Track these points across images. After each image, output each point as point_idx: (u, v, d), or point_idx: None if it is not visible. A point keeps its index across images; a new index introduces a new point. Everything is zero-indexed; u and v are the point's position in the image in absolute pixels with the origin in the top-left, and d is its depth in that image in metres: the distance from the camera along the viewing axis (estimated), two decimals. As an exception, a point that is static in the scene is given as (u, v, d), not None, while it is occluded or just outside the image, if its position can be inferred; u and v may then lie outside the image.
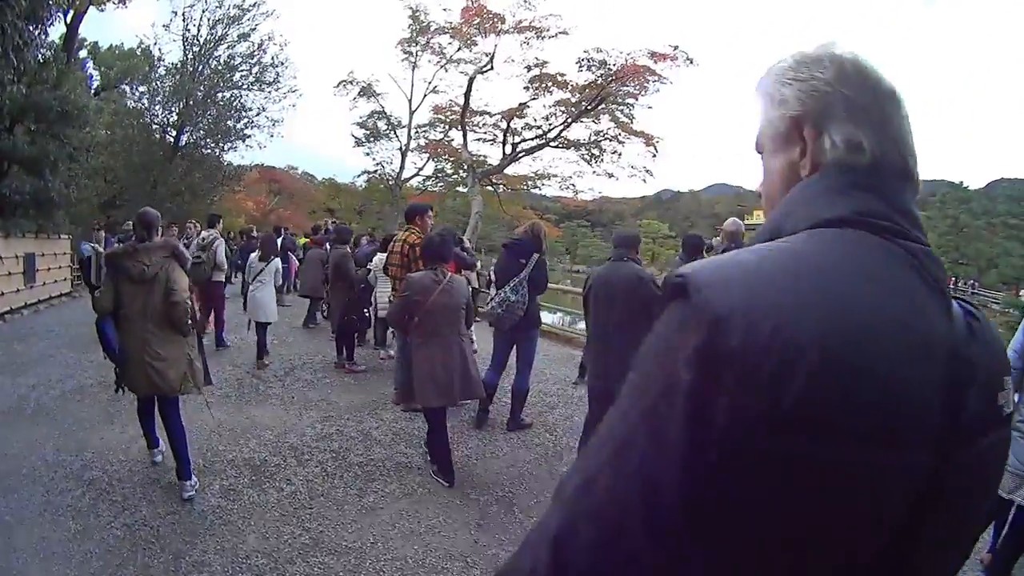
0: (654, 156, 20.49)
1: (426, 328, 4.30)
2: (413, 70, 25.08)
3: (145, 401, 4.20)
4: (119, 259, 3.82)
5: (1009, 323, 31.42)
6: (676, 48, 17.60)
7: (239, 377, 6.92)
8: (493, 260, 10.18)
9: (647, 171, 20.91)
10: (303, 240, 15.24)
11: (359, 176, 29.96)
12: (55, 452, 4.57)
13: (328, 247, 9.10)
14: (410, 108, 26.04)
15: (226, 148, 23.73)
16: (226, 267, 8.58)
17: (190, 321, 3.95)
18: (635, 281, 4.16)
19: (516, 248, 5.58)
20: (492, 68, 20.00)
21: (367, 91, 25.89)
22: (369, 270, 7.90)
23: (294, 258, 13.92)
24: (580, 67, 18.43)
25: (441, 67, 23.66)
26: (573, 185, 23.23)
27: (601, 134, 20.45)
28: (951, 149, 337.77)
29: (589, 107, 18.87)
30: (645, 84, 18.10)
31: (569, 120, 19.62)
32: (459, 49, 21.92)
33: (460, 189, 27.03)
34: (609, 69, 17.82)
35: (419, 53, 24.08)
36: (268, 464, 4.62)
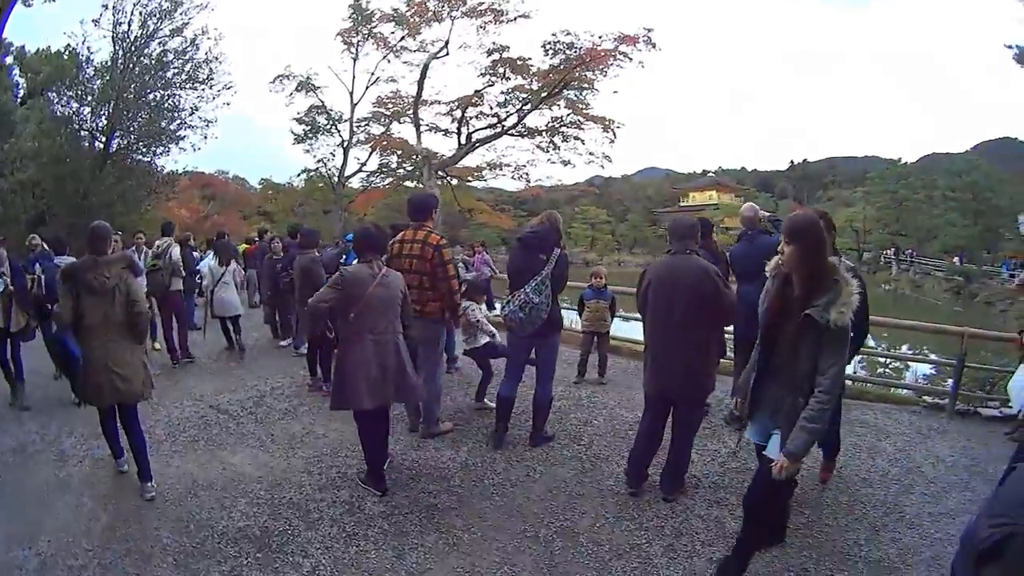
0: (612, 142, 19.96)
1: (362, 324, 4.08)
2: (355, 62, 24.02)
3: (108, 412, 4.22)
4: (80, 273, 3.93)
5: (954, 288, 33.57)
6: (650, 31, 17.11)
7: (202, 413, 5.85)
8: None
9: (606, 157, 20.47)
10: (243, 247, 14.10)
11: (298, 175, 28.75)
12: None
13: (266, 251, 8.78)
14: (351, 101, 24.99)
15: (158, 152, 22.01)
16: (183, 274, 8.14)
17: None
18: (701, 276, 3.78)
19: (534, 242, 4.78)
20: (447, 53, 19.21)
21: (305, 85, 24.65)
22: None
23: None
24: (547, 51, 17.76)
25: (384, 58, 22.69)
26: (527, 174, 22.69)
27: (559, 120, 19.79)
28: (882, 126, 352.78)
29: (553, 91, 18.16)
30: (607, 68, 17.50)
31: (530, 107, 18.90)
32: (403, 38, 20.93)
33: (408, 183, 26.03)
34: (576, 52, 17.18)
35: (361, 43, 22.99)
36: (271, 532, 3.67)
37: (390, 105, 23.96)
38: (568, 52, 17.31)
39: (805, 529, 3.77)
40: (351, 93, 24.75)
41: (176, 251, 8.01)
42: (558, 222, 4.94)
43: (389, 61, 22.72)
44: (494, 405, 5.64)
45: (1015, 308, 25.25)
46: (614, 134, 19.66)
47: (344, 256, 7.92)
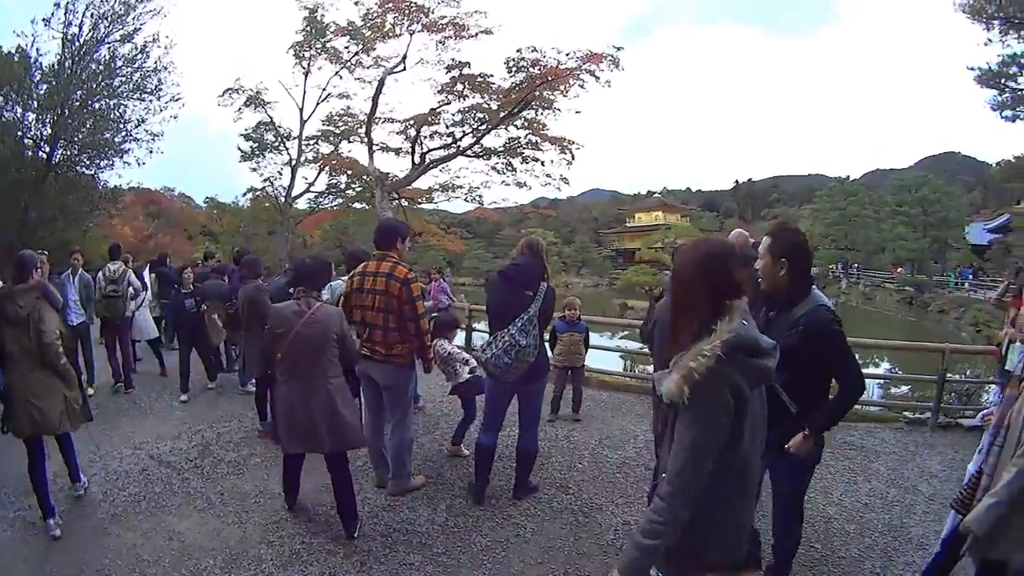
0: (569, 163, 19.64)
1: (287, 365, 3.85)
2: (306, 77, 23.15)
3: (35, 452, 4.02)
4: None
5: (906, 298, 34.41)
6: (619, 49, 16.69)
7: (143, 466, 5.16)
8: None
9: (563, 179, 20.11)
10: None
11: (244, 194, 27.61)
12: None
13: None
14: (301, 118, 24.10)
15: (102, 166, 20.60)
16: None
17: (64, 361, 4.01)
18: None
19: (517, 277, 4.24)
20: (404, 69, 18.59)
21: (254, 100, 23.71)
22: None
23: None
24: (509, 68, 17.21)
25: (336, 73, 21.94)
26: (480, 196, 22.20)
27: (516, 141, 19.30)
28: (826, 144, 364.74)
29: (513, 111, 17.66)
30: (568, 88, 17.11)
31: (489, 126, 18.31)
32: (358, 53, 20.25)
33: (357, 205, 25.40)
34: (540, 70, 16.68)
35: (314, 58, 22.16)
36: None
37: (340, 123, 23.23)
38: (532, 70, 16.82)
39: (821, 564, 3.72)
40: (301, 109, 23.95)
41: (133, 276, 7.96)
42: (541, 250, 4.41)
43: (341, 77, 22.07)
44: (468, 452, 5.27)
45: (968, 316, 25.81)
46: (572, 155, 19.40)
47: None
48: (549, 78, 16.43)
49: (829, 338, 2.68)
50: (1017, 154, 31.36)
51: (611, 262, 61.82)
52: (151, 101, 20.89)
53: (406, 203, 22.76)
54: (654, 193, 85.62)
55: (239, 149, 25.10)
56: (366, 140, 19.43)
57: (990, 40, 18.18)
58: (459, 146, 19.06)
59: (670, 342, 1.90)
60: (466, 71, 17.89)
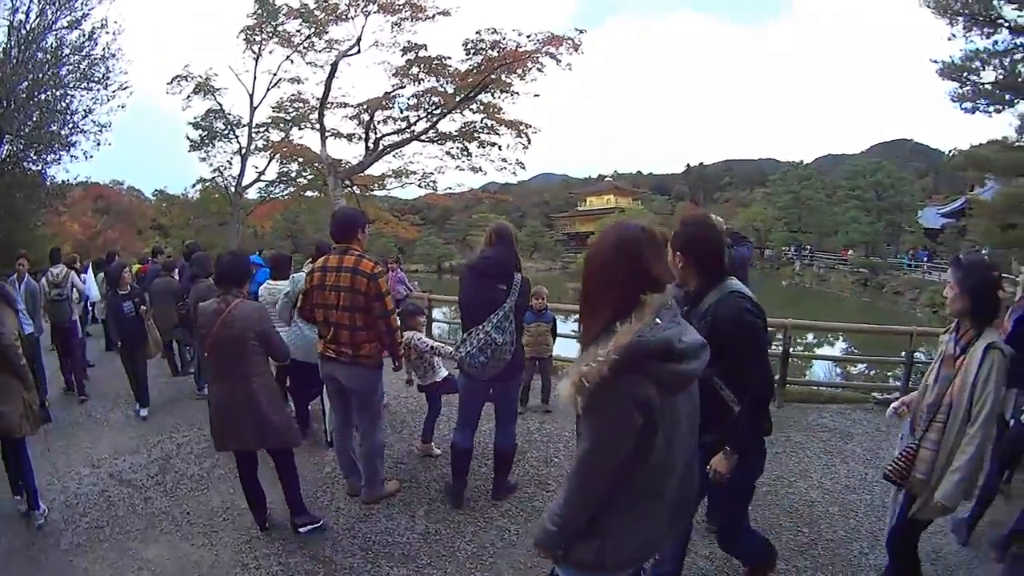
0: (525, 148, 19.23)
1: (212, 366, 3.83)
2: (257, 62, 22.37)
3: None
4: None
5: (861, 280, 35.65)
6: (581, 32, 16.31)
7: (103, 486, 4.79)
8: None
9: (519, 163, 19.74)
10: (136, 266, 12.68)
11: (194, 185, 26.55)
12: None
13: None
14: (251, 104, 23.34)
15: (49, 160, 19.56)
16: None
17: (23, 362, 3.96)
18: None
19: (491, 270, 3.97)
20: (359, 51, 17.90)
21: (203, 87, 22.83)
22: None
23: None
24: (468, 50, 16.73)
25: (288, 58, 21.24)
26: (434, 182, 21.75)
27: (471, 125, 18.86)
28: (778, 129, 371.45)
29: (470, 94, 17.24)
30: (527, 71, 16.70)
31: (445, 110, 17.89)
32: (309, 36, 19.60)
33: (309, 193, 24.82)
34: (499, 52, 16.28)
35: (265, 42, 21.38)
36: None
37: (291, 109, 22.57)
38: (491, 52, 16.42)
39: (811, 547, 3.76)
40: (251, 95, 23.18)
41: (76, 278, 7.95)
42: (512, 238, 4.14)
43: (292, 62, 21.35)
44: (439, 451, 5.13)
45: (924, 297, 26.65)
46: (528, 139, 18.99)
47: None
48: (508, 61, 16.07)
49: (736, 329, 2.46)
50: (972, 143, 32.49)
51: (563, 246, 62.27)
52: (98, 90, 20.01)
53: (359, 190, 22.28)
54: (605, 177, 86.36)
55: (188, 138, 24.27)
56: (318, 126, 18.82)
57: (954, 35, 18.79)
58: (413, 131, 18.64)
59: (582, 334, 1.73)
60: (423, 53, 17.44)
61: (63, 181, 21.19)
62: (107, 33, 19.71)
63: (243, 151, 23.94)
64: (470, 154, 19.43)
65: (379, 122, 18.77)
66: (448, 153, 19.64)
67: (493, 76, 16.56)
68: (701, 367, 1.61)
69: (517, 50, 16.14)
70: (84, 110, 19.90)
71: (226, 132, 24.12)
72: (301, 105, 22.22)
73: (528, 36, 16.25)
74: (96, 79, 19.78)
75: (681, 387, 1.60)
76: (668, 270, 1.76)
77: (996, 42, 18.33)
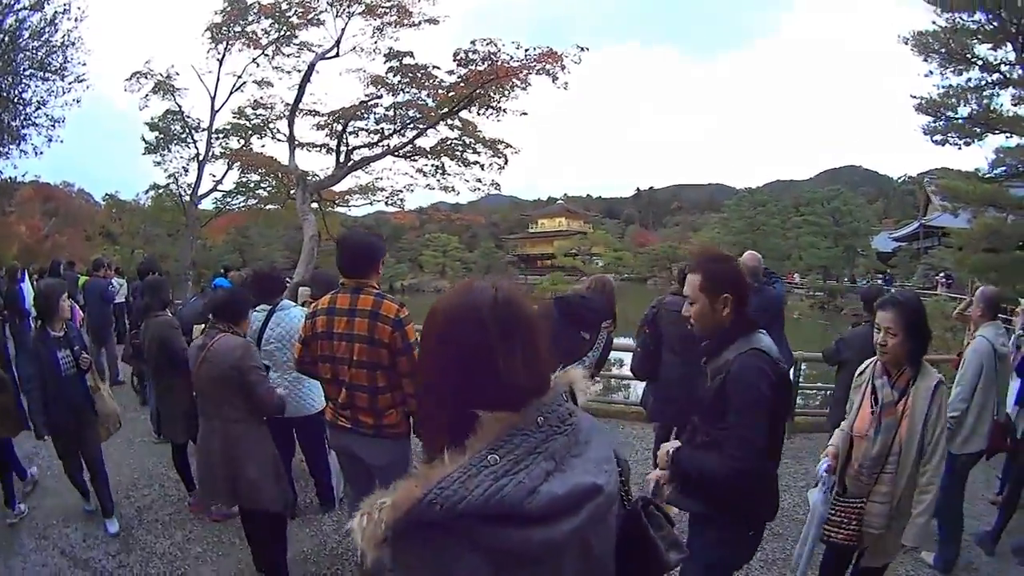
0: (501, 168, 18.41)
1: (200, 405, 3.61)
2: (221, 62, 20.92)
3: None
4: None
5: (818, 303, 36.70)
6: (584, 49, 15.33)
7: (56, 570, 3.94)
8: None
9: (494, 183, 18.88)
10: (83, 279, 11.54)
11: (147, 192, 24.73)
12: None
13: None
14: (212, 108, 21.77)
15: None
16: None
17: None
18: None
19: (583, 313, 3.55)
20: (337, 55, 16.75)
21: (163, 86, 21.25)
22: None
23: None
24: (460, 62, 15.69)
25: (254, 60, 19.85)
26: (403, 200, 20.79)
27: (447, 142, 17.93)
28: (726, 155, 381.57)
29: (455, 108, 16.29)
30: (513, 87, 15.90)
31: (428, 124, 16.90)
32: (279, 38, 18.38)
33: (271, 207, 23.39)
34: (492, 65, 15.33)
35: (232, 42, 19.91)
36: None
37: (252, 116, 21.04)
38: (481, 65, 15.49)
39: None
40: (213, 98, 21.65)
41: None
42: (612, 293, 3.97)
43: (258, 65, 19.94)
44: None
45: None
46: (505, 159, 18.16)
47: None
48: (499, 75, 15.21)
49: (744, 390, 2.18)
50: (920, 170, 34.22)
51: (515, 267, 62.43)
52: (54, 81, 18.50)
53: (326, 206, 21.00)
54: (555, 199, 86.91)
55: (143, 140, 22.57)
56: (284, 134, 17.62)
57: (931, 72, 19.66)
58: (389, 145, 17.61)
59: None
60: (407, 61, 16.45)
61: (10, 178, 19.88)
62: (68, 19, 18.31)
63: (201, 157, 22.40)
64: (446, 172, 18.47)
65: (351, 133, 17.70)
66: (419, 170, 18.68)
67: (479, 91, 15.70)
68: (580, 528, 0.97)
69: (510, 64, 15.35)
70: (37, 101, 18.46)
71: (184, 136, 22.55)
72: (264, 112, 20.80)
73: (526, 50, 15.41)
74: (53, 69, 18.32)
75: (535, 561, 0.96)
76: (538, 368, 1.11)
77: (969, 79, 19.09)
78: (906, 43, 19.60)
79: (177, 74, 21.70)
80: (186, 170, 23.00)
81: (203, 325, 4.21)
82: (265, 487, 3.40)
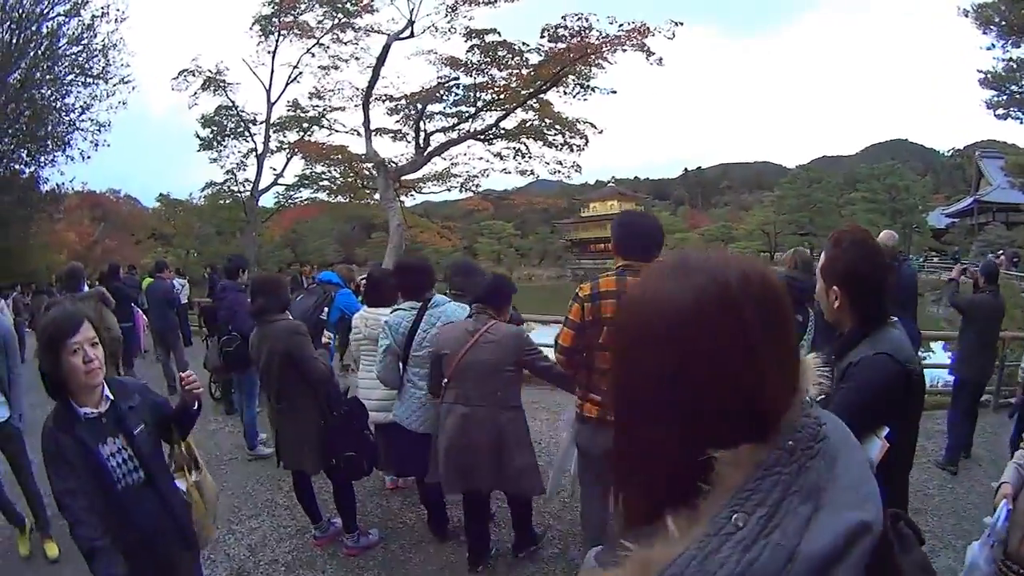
0: (581, 150, 17.44)
1: (453, 392, 3.35)
2: (273, 55, 20.30)
3: None
4: None
5: None
6: (678, 24, 14.37)
7: None
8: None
9: (575, 166, 17.97)
10: (147, 281, 10.99)
11: (202, 189, 24.20)
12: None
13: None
14: (268, 100, 21.19)
15: (42, 161, 17.51)
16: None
17: None
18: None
19: (794, 293, 3.30)
20: (412, 35, 15.79)
21: (213, 81, 20.63)
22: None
23: (138, 310, 9.24)
24: (550, 38, 14.74)
25: (308, 51, 19.18)
26: (477, 185, 19.96)
27: (528, 123, 16.99)
28: (770, 131, 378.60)
29: (543, 88, 15.34)
30: (602, 63, 14.94)
31: (510, 105, 15.99)
32: (332, 29, 17.77)
33: (338, 199, 22.58)
34: (583, 41, 14.37)
35: (284, 33, 19.27)
36: None
37: (308, 108, 20.63)
38: (572, 41, 14.47)
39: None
40: (268, 91, 21.04)
41: None
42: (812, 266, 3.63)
43: (314, 55, 19.28)
44: None
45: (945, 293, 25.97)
46: (586, 140, 17.17)
47: (325, 305, 5.58)
48: (588, 52, 14.22)
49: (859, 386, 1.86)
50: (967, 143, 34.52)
51: (569, 252, 61.71)
52: (97, 85, 18.11)
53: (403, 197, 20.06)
54: (603, 183, 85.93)
55: (197, 136, 22.05)
56: (344, 124, 17.31)
57: (993, 45, 20.27)
58: (471, 129, 16.71)
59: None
60: (490, 39, 15.40)
61: (58, 184, 19.37)
62: (107, 22, 17.90)
63: (259, 151, 21.87)
64: (527, 155, 17.55)
65: (427, 117, 16.88)
66: (497, 154, 17.73)
67: (567, 69, 14.78)
68: None
69: (601, 40, 14.35)
70: (81, 106, 18.13)
71: (240, 130, 22.03)
72: (320, 102, 20.34)
73: (620, 25, 14.33)
74: (94, 73, 17.96)
75: None
76: (792, 374, 0.73)
77: None
78: (966, 15, 19.96)
79: (227, 69, 21.18)
80: (244, 165, 22.54)
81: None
82: (532, 473, 3.40)
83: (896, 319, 2.03)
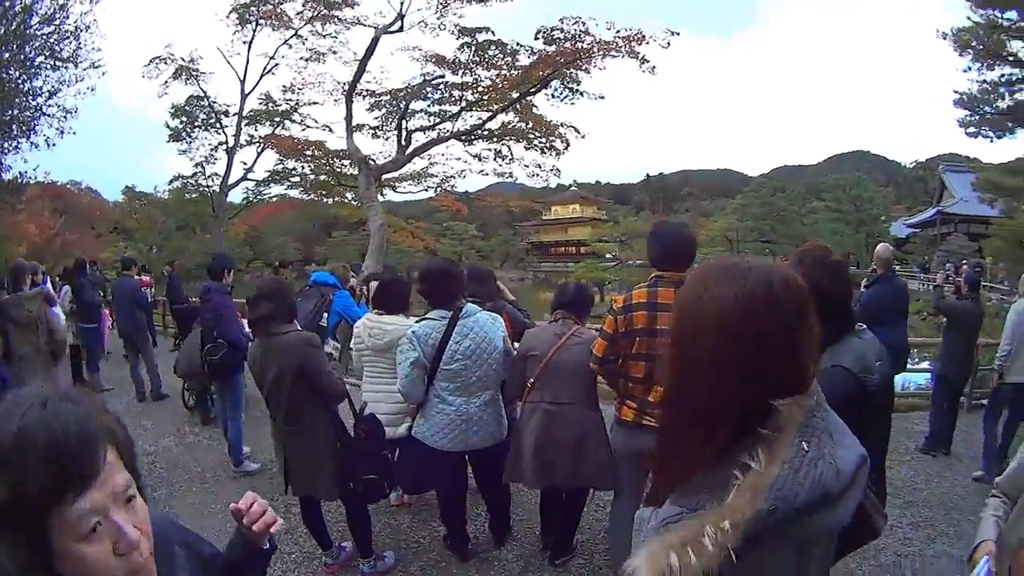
0: (560, 153, 17.23)
1: (539, 392, 3.49)
2: (249, 45, 19.81)
3: None
4: None
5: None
6: (675, 34, 14.33)
7: None
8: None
9: (553, 169, 17.78)
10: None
11: (171, 182, 23.23)
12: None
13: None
14: (242, 92, 20.68)
15: (6, 148, 16.49)
16: None
17: None
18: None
19: None
20: (401, 29, 15.40)
21: (185, 70, 19.98)
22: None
23: (104, 310, 8.98)
24: (545, 40, 14.56)
25: (285, 42, 18.76)
26: (453, 186, 20.05)
27: (510, 125, 16.80)
28: (732, 140, 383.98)
29: (532, 90, 15.15)
30: (591, 67, 14.80)
31: (502, 105, 15.73)
32: (311, 20, 17.35)
33: (309, 196, 21.97)
34: (577, 44, 14.24)
35: (259, 23, 18.76)
36: None
37: (280, 101, 20.21)
38: (565, 44, 14.34)
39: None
40: (242, 82, 20.51)
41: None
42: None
43: (291, 47, 18.87)
44: None
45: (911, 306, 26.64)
46: (567, 143, 16.97)
47: (324, 310, 5.36)
48: (580, 56, 14.13)
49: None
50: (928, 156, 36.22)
51: (529, 255, 62.07)
52: (66, 69, 16.99)
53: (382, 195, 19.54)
54: (565, 186, 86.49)
55: (167, 126, 21.37)
56: (343, 113, 16.13)
57: (969, 67, 21.33)
58: (450, 127, 16.46)
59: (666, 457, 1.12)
60: (481, 37, 15.14)
61: (21, 173, 18.15)
62: (82, 2, 16.89)
63: (229, 144, 21.24)
64: (510, 158, 17.36)
65: (411, 113, 16.56)
66: (476, 155, 17.51)
67: (559, 71, 14.66)
68: (856, 500, 1.00)
69: (596, 44, 14.23)
70: (49, 91, 16.99)
71: (211, 122, 21.37)
72: (292, 96, 19.97)
73: (617, 31, 14.18)
74: (64, 56, 16.85)
75: (820, 540, 1.02)
76: (816, 344, 1.05)
77: (1003, 75, 20.86)
78: (944, 38, 21.02)
79: (201, 58, 20.58)
80: (214, 158, 21.84)
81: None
82: (609, 470, 3.40)
83: (864, 327, 2.10)
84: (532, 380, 3.49)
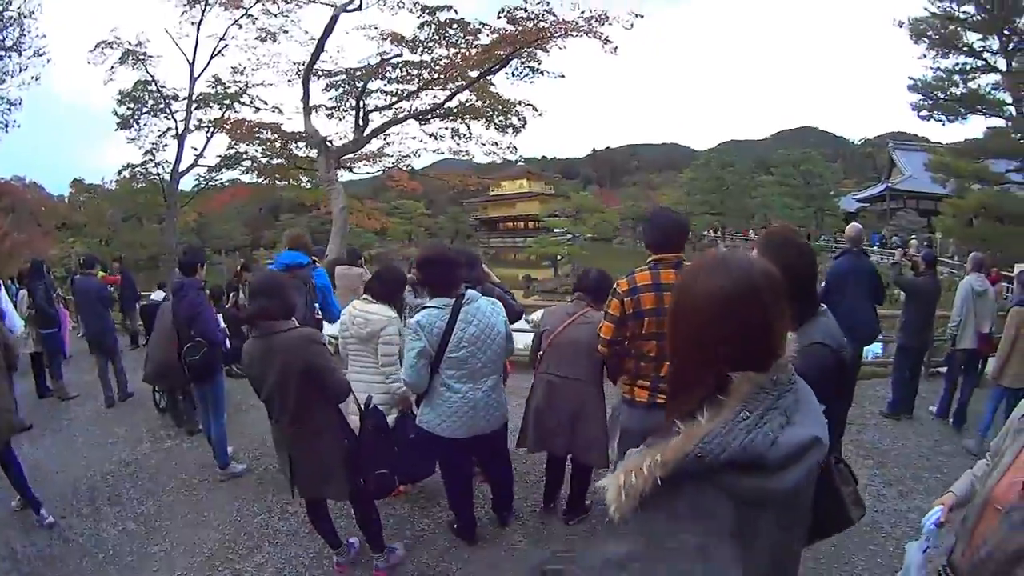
0: (518, 131, 17.34)
1: (546, 363, 3.85)
2: (198, 26, 18.95)
3: None
4: None
5: None
6: (639, 16, 14.36)
7: None
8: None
9: (511, 147, 18.00)
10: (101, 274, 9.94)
11: (119, 172, 22.15)
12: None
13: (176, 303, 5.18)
14: (191, 75, 19.82)
15: None
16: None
17: None
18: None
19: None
20: (360, 8, 14.98)
21: (131, 54, 19.09)
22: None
23: (64, 312, 8.72)
24: (503, 19, 14.44)
25: (235, 22, 18.06)
26: (409, 165, 19.68)
27: (468, 104, 16.68)
28: (679, 114, 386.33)
29: (492, 69, 15.07)
30: (551, 46, 14.77)
31: (457, 85, 15.57)
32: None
33: (263, 181, 21.12)
34: (540, 24, 14.17)
35: (207, 3, 18.05)
36: None
37: (228, 83, 19.64)
38: (529, 23, 14.21)
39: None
40: (192, 65, 19.64)
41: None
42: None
43: (241, 27, 18.13)
44: None
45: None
46: (524, 121, 17.05)
47: (315, 302, 5.19)
48: (543, 36, 14.10)
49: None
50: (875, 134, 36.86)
51: (477, 231, 63.84)
52: (9, 58, 16.53)
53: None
54: (511, 162, 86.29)
55: (115, 114, 20.33)
56: (301, 94, 15.73)
57: (924, 55, 22.17)
58: (412, 107, 16.27)
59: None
60: (443, 16, 14.93)
61: None
62: None
63: (179, 130, 20.36)
64: (469, 136, 17.33)
65: (367, 94, 16.22)
66: (431, 134, 17.44)
67: (519, 51, 14.61)
68: (802, 478, 1.13)
69: (559, 24, 14.18)
70: None
71: (160, 107, 20.42)
72: (240, 78, 19.43)
73: (581, 12, 14.12)
74: (7, 45, 16.35)
75: (769, 505, 1.13)
76: (784, 333, 1.24)
77: (957, 64, 21.76)
78: (900, 26, 22.03)
79: (148, 41, 19.69)
80: (163, 145, 20.93)
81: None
82: (600, 447, 3.70)
83: (825, 308, 2.16)
84: (541, 353, 3.87)
